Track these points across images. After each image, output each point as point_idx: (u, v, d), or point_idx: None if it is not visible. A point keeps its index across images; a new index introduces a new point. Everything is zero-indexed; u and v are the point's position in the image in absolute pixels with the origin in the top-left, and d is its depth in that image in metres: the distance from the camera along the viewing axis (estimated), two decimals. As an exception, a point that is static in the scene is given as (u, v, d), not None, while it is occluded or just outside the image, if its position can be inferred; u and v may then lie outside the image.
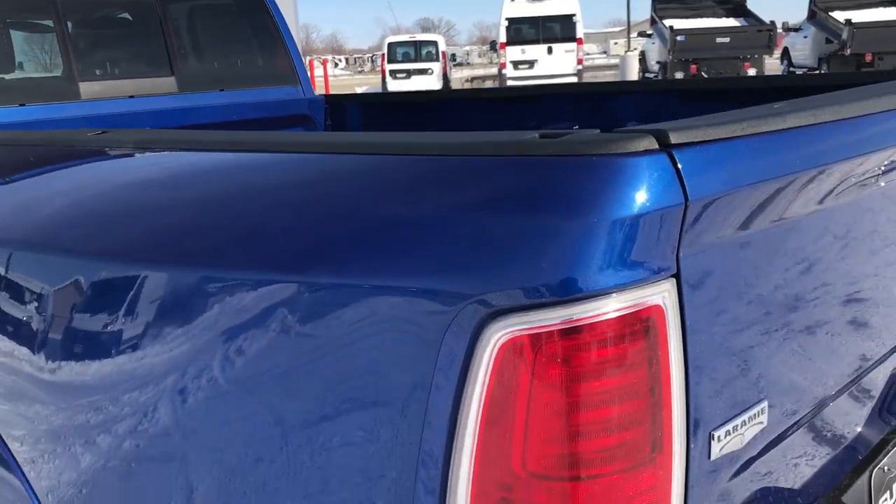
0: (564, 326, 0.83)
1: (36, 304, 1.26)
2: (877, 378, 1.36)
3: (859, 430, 1.35)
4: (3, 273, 1.29)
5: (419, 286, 0.89)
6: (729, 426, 0.95)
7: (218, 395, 1.04)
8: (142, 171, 1.28)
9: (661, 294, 0.86)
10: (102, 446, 1.19)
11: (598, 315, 0.83)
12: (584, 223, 0.82)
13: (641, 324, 0.85)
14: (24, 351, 1.28)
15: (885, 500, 1.44)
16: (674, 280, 0.87)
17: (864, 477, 1.38)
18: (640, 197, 0.82)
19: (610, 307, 0.83)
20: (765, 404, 1.01)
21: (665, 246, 0.85)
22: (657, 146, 0.85)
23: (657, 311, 0.86)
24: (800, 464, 1.16)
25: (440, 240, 0.89)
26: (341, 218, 0.96)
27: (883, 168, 1.20)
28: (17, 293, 1.29)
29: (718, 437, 0.94)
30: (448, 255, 0.88)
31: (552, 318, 0.83)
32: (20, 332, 1.29)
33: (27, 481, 1.32)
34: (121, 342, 1.14)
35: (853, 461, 1.34)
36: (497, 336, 0.84)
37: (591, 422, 0.84)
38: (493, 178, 0.90)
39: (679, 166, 0.85)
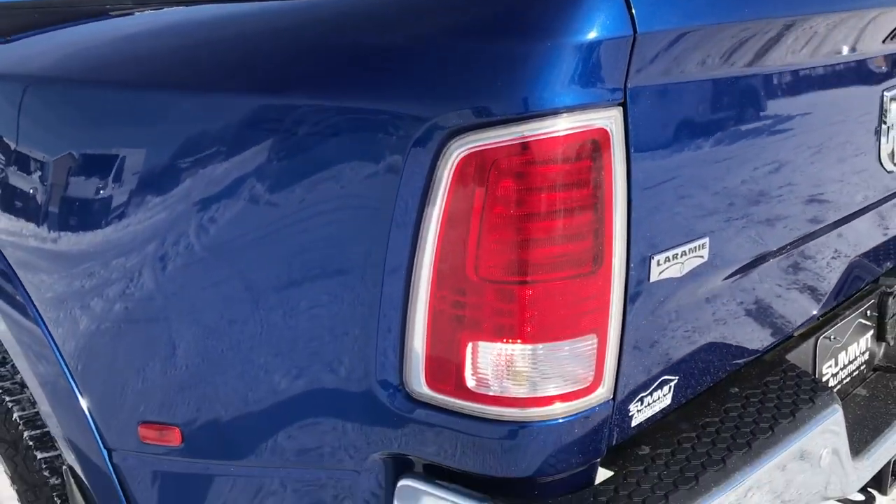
0: (516, 142, 0.91)
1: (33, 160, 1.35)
2: (825, 252, 1.43)
3: (808, 297, 1.43)
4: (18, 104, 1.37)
5: (389, 108, 0.97)
6: (669, 253, 1.03)
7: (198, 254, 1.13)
8: (139, 23, 1.35)
9: (608, 119, 0.93)
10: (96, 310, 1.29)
11: (547, 133, 0.90)
12: (536, 47, 0.89)
13: (588, 144, 0.92)
14: (30, 221, 1.37)
15: (830, 367, 1.54)
16: (621, 108, 0.94)
17: (811, 342, 1.48)
18: (591, 26, 0.89)
19: (558, 126, 0.90)
20: (706, 241, 1.09)
21: (613, 75, 0.93)
22: (610, -20, 0.91)
23: (603, 133, 0.93)
24: (741, 314, 1.25)
25: (406, 66, 0.96)
26: (317, 50, 1.04)
27: (848, 41, 1.26)
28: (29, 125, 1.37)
29: (658, 261, 1.02)
30: (413, 79, 0.95)
31: (505, 136, 0.91)
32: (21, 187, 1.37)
33: (50, 334, 1.39)
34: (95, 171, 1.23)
35: (797, 326, 1.43)
36: (456, 153, 0.93)
37: (537, 232, 0.93)
38: (457, 8, 0.97)
39: (629, 0, 0.91)
